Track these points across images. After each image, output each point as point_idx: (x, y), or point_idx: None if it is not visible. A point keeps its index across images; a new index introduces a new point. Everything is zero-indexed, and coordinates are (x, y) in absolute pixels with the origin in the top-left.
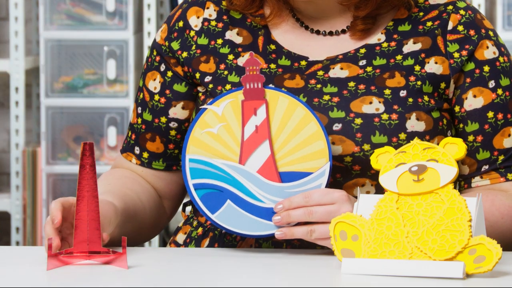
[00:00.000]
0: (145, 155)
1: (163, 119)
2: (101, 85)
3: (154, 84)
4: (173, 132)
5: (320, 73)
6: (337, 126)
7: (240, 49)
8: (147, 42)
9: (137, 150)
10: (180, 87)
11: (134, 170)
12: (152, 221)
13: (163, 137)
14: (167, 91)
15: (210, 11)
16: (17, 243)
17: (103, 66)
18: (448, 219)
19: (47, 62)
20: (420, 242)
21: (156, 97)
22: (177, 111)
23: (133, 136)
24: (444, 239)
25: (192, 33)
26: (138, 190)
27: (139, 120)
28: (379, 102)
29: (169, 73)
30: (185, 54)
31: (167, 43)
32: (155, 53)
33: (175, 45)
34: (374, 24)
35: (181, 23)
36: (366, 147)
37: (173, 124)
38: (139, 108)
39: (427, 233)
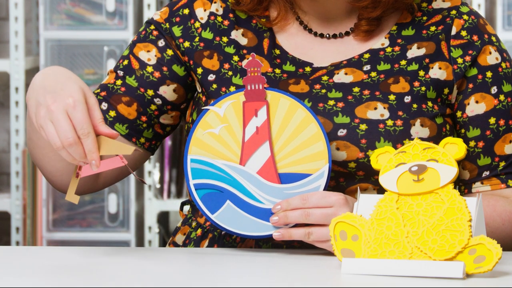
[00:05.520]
0: (112, 113)
1: (150, 92)
2: None
3: (147, 55)
4: (153, 107)
5: (325, 78)
6: (341, 132)
7: (245, 51)
8: None
9: (104, 106)
10: (179, 70)
11: None
12: (61, 165)
13: (140, 107)
14: (165, 68)
15: (217, 6)
16: (17, 243)
17: (103, 66)
18: (448, 219)
19: (47, 62)
20: (420, 242)
21: (149, 69)
22: (168, 91)
23: (103, 93)
24: (444, 239)
25: (197, 24)
26: None
27: (118, 82)
28: (384, 108)
29: (169, 52)
30: (187, 44)
31: (168, 25)
32: (152, 27)
33: (177, 31)
34: (378, 26)
35: (186, 11)
36: (371, 153)
37: (157, 101)
38: (121, 72)
39: (427, 233)
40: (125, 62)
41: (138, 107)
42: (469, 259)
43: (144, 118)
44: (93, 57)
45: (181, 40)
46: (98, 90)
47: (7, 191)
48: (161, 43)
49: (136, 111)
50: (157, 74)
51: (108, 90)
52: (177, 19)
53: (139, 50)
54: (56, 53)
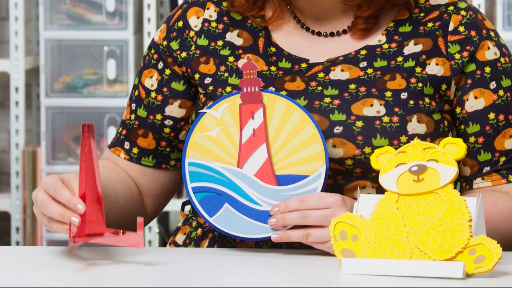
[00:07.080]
0: (135, 150)
1: (158, 116)
2: (101, 85)
3: (150, 81)
4: (167, 130)
5: (321, 75)
6: (338, 129)
7: (240, 51)
8: (147, 42)
9: (127, 145)
10: (178, 85)
11: (119, 164)
12: (124, 213)
13: (156, 134)
14: (165, 89)
15: (211, 12)
16: (17, 243)
17: (103, 66)
18: (448, 219)
19: (47, 62)
20: (420, 242)
21: (153, 94)
22: (174, 109)
23: (124, 132)
24: (444, 239)
25: (192, 33)
26: (113, 180)
27: (132, 116)
28: (380, 104)
29: (167, 71)
30: (184, 54)
31: (165, 43)
32: (153, 51)
33: (174, 45)
34: (375, 24)
35: (180, 23)
36: (367, 150)
37: (168, 122)
38: (133, 105)
39: (427, 233)
40: (136, 92)
41: (153, 135)
42: (469, 259)
43: (163, 143)
44: (93, 57)
45: (178, 52)
46: (120, 129)
47: (7, 191)
48: (160, 65)
49: (154, 139)
50: (159, 97)
51: (127, 127)
52: (174, 33)
53: (145, 78)
54: (56, 53)
